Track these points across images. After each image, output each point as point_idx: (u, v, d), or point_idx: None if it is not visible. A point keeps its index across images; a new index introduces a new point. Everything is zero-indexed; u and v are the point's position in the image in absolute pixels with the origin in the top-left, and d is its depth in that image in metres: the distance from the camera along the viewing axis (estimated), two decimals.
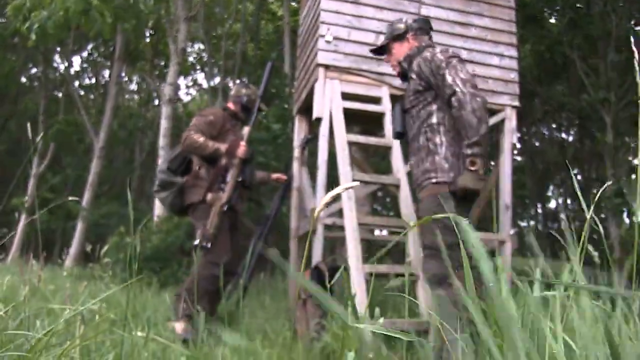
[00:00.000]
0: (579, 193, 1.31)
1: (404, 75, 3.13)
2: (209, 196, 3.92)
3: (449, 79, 2.73)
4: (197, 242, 3.78)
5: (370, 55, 4.63)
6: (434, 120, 2.84)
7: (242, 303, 3.77)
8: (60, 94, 19.52)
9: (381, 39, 4.72)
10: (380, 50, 3.30)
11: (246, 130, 4.17)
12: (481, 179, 2.67)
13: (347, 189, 1.29)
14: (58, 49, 16.70)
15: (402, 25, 3.17)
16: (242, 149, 3.97)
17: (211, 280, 3.73)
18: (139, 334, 1.97)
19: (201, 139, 3.91)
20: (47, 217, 14.73)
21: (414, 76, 2.96)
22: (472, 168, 2.63)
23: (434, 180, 2.76)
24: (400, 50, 3.14)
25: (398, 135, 3.12)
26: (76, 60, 20.83)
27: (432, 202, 2.73)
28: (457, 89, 2.68)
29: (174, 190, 4.00)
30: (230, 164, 4.00)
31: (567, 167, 15.47)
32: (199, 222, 3.91)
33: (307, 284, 0.75)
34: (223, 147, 3.94)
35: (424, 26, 3.22)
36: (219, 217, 3.86)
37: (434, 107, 2.87)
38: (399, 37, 3.16)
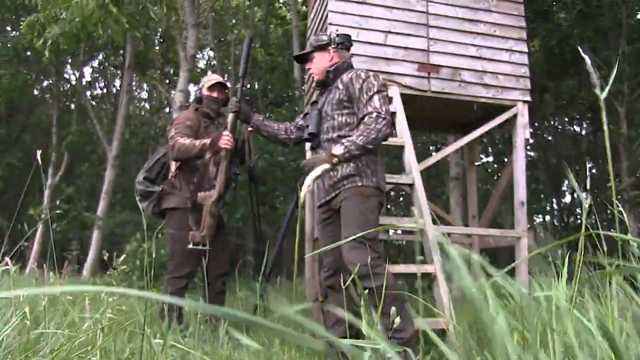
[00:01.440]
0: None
1: (324, 83, 3.36)
2: (199, 196, 3.75)
3: (376, 102, 3.01)
4: (190, 246, 3.61)
5: (380, 55, 4.64)
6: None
7: (261, 305, 3.76)
8: (72, 105, 19.69)
9: (390, 39, 4.73)
10: (303, 58, 3.49)
11: (230, 117, 3.76)
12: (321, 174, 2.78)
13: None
14: (69, 60, 16.84)
15: (325, 37, 3.36)
16: (224, 138, 3.69)
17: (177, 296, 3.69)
18: (157, 340, 1.97)
19: (187, 141, 3.76)
20: (64, 226, 14.87)
21: (340, 87, 3.20)
22: (334, 161, 2.79)
23: (359, 184, 3.07)
24: (321, 59, 3.35)
25: (312, 136, 3.29)
26: (87, 71, 20.97)
27: (358, 200, 3.04)
28: (382, 112, 2.97)
29: (152, 199, 3.94)
30: (217, 159, 3.79)
31: (582, 161, 15.35)
32: (173, 229, 3.84)
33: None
34: (207, 140, 3.75)
35: (346, 41, 3.40)
36: (211, 216, 3.67)
37: (355, 120, 3.13)
38: (321, 47, 3.35)
